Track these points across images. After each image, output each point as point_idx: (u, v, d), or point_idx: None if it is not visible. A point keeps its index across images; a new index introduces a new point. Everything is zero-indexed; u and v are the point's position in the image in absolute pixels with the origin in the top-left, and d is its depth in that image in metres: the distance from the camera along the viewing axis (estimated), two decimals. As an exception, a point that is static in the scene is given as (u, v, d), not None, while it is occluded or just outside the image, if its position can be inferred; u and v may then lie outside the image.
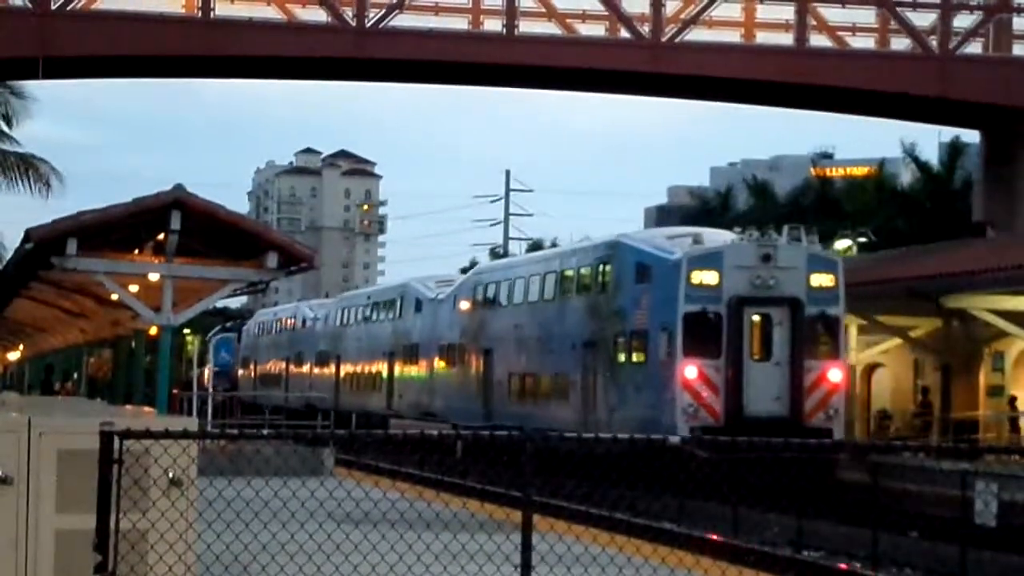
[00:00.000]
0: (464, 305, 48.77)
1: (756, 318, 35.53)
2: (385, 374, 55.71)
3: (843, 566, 23.09)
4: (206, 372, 61.50)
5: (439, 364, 50.65)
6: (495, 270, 50.32)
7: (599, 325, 39.21)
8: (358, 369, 59.56)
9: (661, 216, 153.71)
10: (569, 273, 41.93)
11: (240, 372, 70.26)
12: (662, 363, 36.09)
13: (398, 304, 55.81)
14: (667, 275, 36.29)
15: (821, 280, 35.92)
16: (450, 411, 48.25)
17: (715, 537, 24.26)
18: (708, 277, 35.48)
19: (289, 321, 72.44)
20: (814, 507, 26.23)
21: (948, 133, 70.85)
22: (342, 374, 61.28)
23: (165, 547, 9.14)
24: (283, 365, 70.00)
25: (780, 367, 35.26)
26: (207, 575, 10.75)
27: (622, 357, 38.20)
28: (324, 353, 64.21)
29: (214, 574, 10.88)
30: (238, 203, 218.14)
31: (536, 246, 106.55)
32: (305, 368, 66.54)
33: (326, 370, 63.39)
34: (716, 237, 38.32)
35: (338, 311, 64.55)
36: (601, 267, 39.90)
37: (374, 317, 58.61)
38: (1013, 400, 45.99)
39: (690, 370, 35.09)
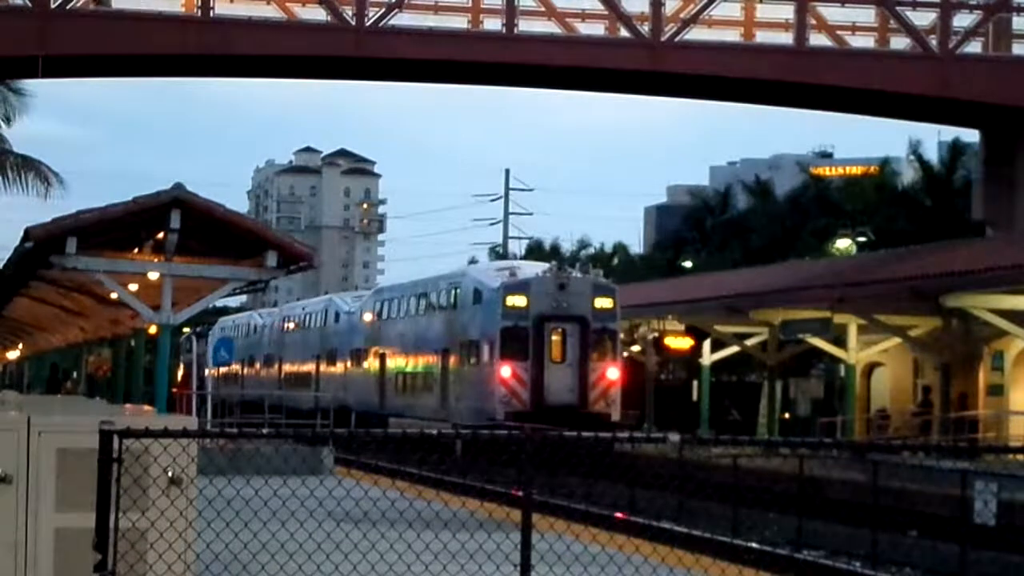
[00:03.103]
0: (367, 317, 59.81)
1: (555, 331, 45.85)
2: (313, 373, 66.17)
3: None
4: (179, 371, 66.06)
5: (350, 365, 61.49)
6: (389, 289, 61.61)
7: (451, 335, 49.94)
8: (295, 369, 70.20)
9: (661, 215, 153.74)
10: (434, 295, 52.57)
11: (207, 372, 72.55)
12: (486, 364, 46.67)
13: (323, 315, 67.39)
14: (491, 299, 46.88)
15: (603, 303, 46.20)
16: (358, 403, 57.34)
17: (715, 536, 24.27)
18: (519, 301, 46.01)
19: (244, 327, 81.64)
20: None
21: (948, 132, 70.88)
22: (283, 373, 71.50)
23: (164, 546, 9.13)
24: (238, 366, 77.33)
25: (571, 367, 45.62)
26: (206, 574, 10.75)
27: (464, 360, 48.88)
28: (270, 356, 74.74)
29: (213, 573, 10.88)
30: (237, 202, 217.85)
31: (536, 245, 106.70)
32: (256, 368, 76.26)
33: (271, 370, 73.71)
34: (529, 270, 49.63)
35: (281, 320, 75.83)
36: (453, 291, 50.66)
37: (306, 325, 69.88)
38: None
39: (505, 370, 45.51)
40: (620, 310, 47.08)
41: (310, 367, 66.88)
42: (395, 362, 55.84)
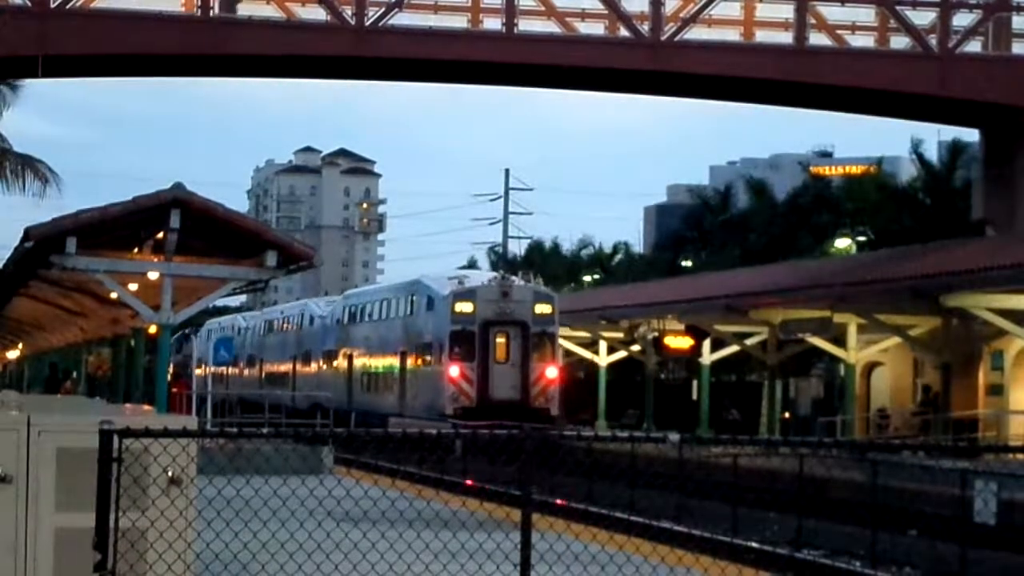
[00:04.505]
0: (337, 321, 64.61)
1: (499, 334, 49.50)
2: (290, 373, 70.90)
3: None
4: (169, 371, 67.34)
5: (322, 365, 66.08)
6: (356, 296, 67.24)
7: (409, 338, 54.21)
8: (274, 369, 74.92)
9: (661, 215, 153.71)
10: (394, 301, 57.16)
11: (196, 372, 73.29)
12: (438, 365, 50.74)
13: (299, 318, 72.32)
14: (442, 305, 50.89)
15: (542, 309, 50.26)
16: (329, 400, 60.13)
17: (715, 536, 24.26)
18: (466, 307, 49.87)
19: (229, 329, 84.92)
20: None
21: (948, 132, 70.85)
22: (263, 373, 76.07)
23: (164, 545, 9.12)
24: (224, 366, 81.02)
25: (514, 367, 49.31)
26: (206, 574, 10.74)
27: (419, 361, 53.18)
28: (252, 356, 78.96)
29: (213, 573, 10.87)
30: (237, 202, 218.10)
31: (537, 245, 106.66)
32: (239, 368, 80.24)
33: (254, 370, 78.22)
34: (476, 279, 53.74)
35: (262, 322, 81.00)
36: (410, 298, 54.96)
37: (284, 328, 74.95)
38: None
39: (454, 369, 49.38)
40: (559, 315, 51.09)
41: (288, 367, 71.53)
42: (361, 362, 60.41)
